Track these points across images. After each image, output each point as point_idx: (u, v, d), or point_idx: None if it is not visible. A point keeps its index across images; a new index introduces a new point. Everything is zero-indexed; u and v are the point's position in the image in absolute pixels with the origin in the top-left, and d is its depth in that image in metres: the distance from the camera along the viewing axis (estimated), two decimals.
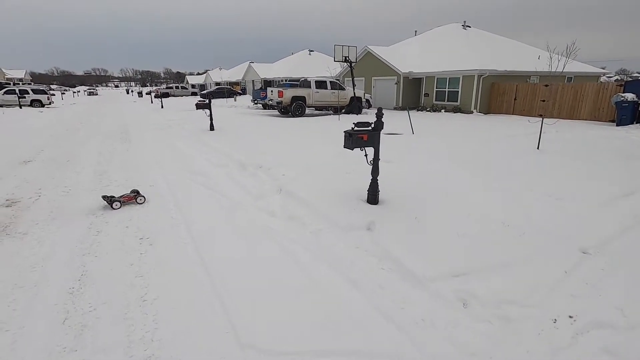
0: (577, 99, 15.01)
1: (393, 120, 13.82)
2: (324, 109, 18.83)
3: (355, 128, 4.23)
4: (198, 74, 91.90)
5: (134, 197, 5.03)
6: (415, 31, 26.99)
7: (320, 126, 13.02)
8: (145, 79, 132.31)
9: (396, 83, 21.42)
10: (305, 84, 17.93)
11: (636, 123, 12.98)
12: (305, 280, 3.15)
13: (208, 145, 9.36)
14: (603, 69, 25.32)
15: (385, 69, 21.83)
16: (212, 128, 11.59)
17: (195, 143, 9.84)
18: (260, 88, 27.42)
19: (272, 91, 17.45)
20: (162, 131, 12.50)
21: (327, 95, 17.82)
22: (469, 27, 23.64)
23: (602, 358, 2.23)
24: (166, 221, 4.43)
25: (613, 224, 3.93)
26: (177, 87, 47.56)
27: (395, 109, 21.61)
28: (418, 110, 20.35)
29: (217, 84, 50.09)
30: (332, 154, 7.34)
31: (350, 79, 18.54)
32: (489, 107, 18.56)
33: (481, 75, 17.77)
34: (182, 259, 3.50)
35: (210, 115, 11.66)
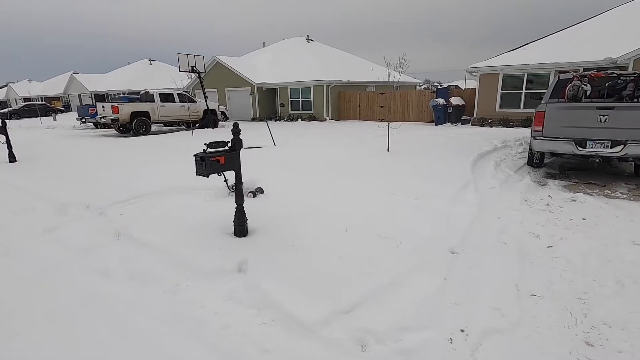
0: (405, 104, 17.68)
1: (252, 133, 13.31)
2: (174, 124, 16.87)
3: (208, 150, 3.46)
4: None
5: None
6: (264, 43, 27.33)
7: (170, 145, 11.42)
8: None
9: (251, 94, 21.06)
10: (147, 97, 15.68)
11: (447, 122, 16.09)
12: None
13: (6, 183, 6.81)
14: (415, 78, 31.00)
15: (238, 80, 21.23)
16: (12, 159, 8.63)
17: None
18: (91, 104, 22.88)
19: (103, 107, 14.54)
20: None
21: (176, 110, 16.01)
22: (312, 40, 25.31)
23: None
24: None
25: (464, 217, 4.31)
26: None
27: (253, 120, 21.23)
28: (276, 121, 20.49)
29: (27, 99, 39.78)
30: (185, 178, 6.24)
31: (201, 90, 17.18)
32: (339, 114, 20.13)
33: (329, 85, 19.10)
34: None
35: (8, 141, 8.66)
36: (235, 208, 3.84)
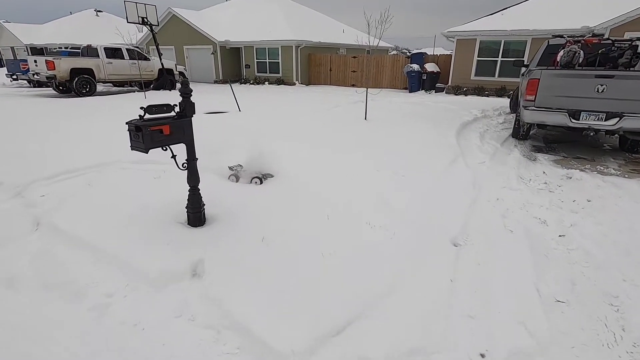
0: (379, 69, 16.83)
1: (214, 96, 12.07)
2: (125, 84, 15.01)
3: (147, 116, 2.57)
4: None
5: None
6: None
7: (119, 108, 9.97)
8: None
9: (213, 53, 19.18)
10: (90, 52, 13.67)
11: (421, 89, 15.53)
12: None
13: None
14: (387, 43, 29.92)
15: (198, 37, 19.21)
16: None
17: None
18: (24, 59, 19.94)
19: (35, 61, 12.47)
20: None
21: (126, 67, 14.15)
22: None
23: None
24: None
25: (460, 198, 3.78)
26: None
27: (215, 82, 19.55)
28: (241, 83, 18.99)
29: None
30: (130, 150, 5.20)
31: (155, 47, 15.25)
32: (309, 78, 18.95)
33: (298, 46, 17.72)
34: None
35: None
36: (189, 191, 3.04)
